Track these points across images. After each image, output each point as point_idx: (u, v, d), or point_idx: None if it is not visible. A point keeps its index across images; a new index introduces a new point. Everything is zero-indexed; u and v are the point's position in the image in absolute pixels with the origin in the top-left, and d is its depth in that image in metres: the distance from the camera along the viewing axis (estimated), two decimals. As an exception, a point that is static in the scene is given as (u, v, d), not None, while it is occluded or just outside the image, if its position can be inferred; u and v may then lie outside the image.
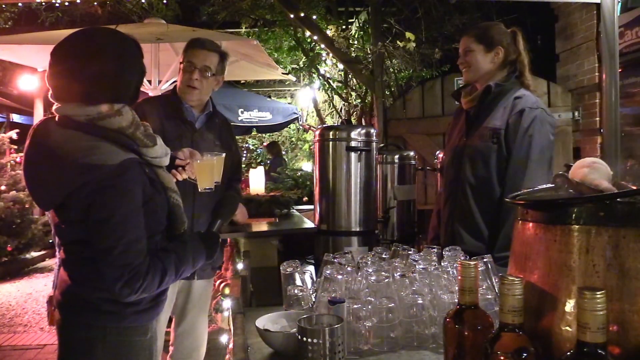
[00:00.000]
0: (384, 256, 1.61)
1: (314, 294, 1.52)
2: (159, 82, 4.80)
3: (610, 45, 2.97)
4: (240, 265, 2.43)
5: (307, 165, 9.58)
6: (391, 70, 6.60)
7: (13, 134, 7.31)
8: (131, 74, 1.46)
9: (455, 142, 2.20)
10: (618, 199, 0.92)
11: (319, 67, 7.80)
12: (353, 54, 6.61)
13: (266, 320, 1.43)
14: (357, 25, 6.99)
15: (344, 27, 7.15)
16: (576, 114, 5.14)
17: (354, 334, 1.33)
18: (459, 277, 1.03)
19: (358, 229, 2.58)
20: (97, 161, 1.31)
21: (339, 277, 1.46)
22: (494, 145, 2.03)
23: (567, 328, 0.91)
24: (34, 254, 7.49)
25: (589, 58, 5.03)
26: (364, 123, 6.93)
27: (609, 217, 0.91)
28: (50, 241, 7.04)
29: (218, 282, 2.96)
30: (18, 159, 7.26)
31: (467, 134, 2.14)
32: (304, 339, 1.14)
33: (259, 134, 10.93)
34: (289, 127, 10.39)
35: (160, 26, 4.66)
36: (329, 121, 8.67)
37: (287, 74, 6.42)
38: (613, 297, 0.88)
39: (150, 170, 1.46)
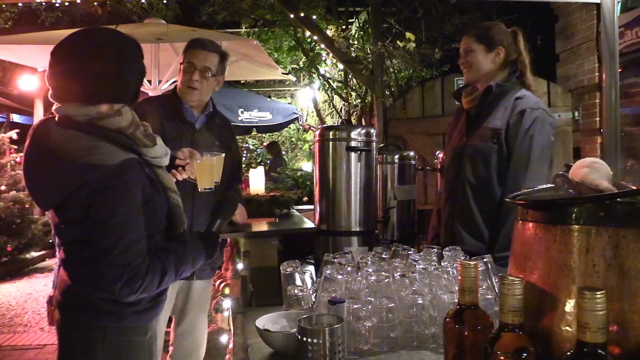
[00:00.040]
0: (384, 256, 1.61)
1: (314, 294, 1.52)
2: (159, 82, 4.80)
3: (610, 45, 2.97)
4: (240, 265, 2.43)
5: (307, 165, 9.59)
6: (391, 70, 6.60)
7: (13, 134, 7.31)
8: (131, 74, 1.46)
9: (456, 142, 2.20)
10: (618, 199, 0.92)
11: (319, 67, 7.80)
12: (353, 54, 6.61)
13: (266, 320, 1.43)
14: (357, 25, 6.99)
15: (344, 27, 7.15)
16: (576, 114, 5.14)
17: (354, 334, 1.33)
18: (459, 277, 1.03)
19: (358, 229, 2.58)
20: (97, 161, 1.31)
21: (339, 277, 1.46)
22: (495, 146, 2.03)
23: (567, 328, 0.91)
24: (34, 254, 7.49)
25: (589, 58, 5.03)
26: (364, 123, 6.93)
27: (609, 217, 0.91)
28: (50, 241, 7.04)
29: (218, 282, 2.96)
30: (18, 159, 7.26)
31: (467, 134, 2.14)
32: (304, 339, 1.14)
33: (259, 134, 10.94)
34: (289, 127, 10.40)
35: (160, 26, 4.66)
36: (329, 121, 8.67)
37: (287, 74, 6.42)
38: (613, 297, 0.88)
39: (150, 170, 1.46)
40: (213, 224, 1.68)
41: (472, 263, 1.02)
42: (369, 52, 6.13)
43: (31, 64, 5.31)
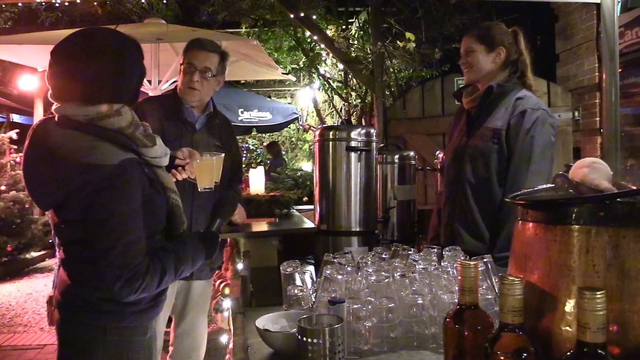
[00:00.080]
0: (384, 256, 1.61)
1: (314, 294, 1.52)
2: (159, 82, 4.81)
3: (610, 45, 2.97)
4: (240, 265, 2.43)
5: (307, 165, 9.59)
6: (391, 70, 6.60)
7: (13, 134, 7.32)
8: (131, 74, 1.46)
9: (456, 142, 2.20)
10: (618, 199, 0.92)
11: (319, 67, 7.80)
12: (353, 54, 6.61)
13: (266, 320, 1.43)
14: (357, 25, 6.99)
15: (344, 27, 7.15)
16: (576, 114, 5.14)
17: (354, 334, 1.33)
18: (459, 277, 1.03)
19: (358, 229, 2.58)
20: (96, 161, 1.32)
21: (339, 277, 1.46)
22: (495, 146, 2.03)
23: (567, 328, 0.91)
24: (34, 254, 7.49)
25: (589, 58, 5.03)
26: (364, 123, 6.93)
27: (609, 217, 0.91)
28: (50, 241, 7.04)
29: (218, 282, 2.96)
30: (18, 159, 7.26)
31: (468, 134, 2.14)
32: (304, 339, 1.13)
33: (259, 134, 10.94)
34: (289, 127, 10.40)
35: (160, 26, 4.67)
36: (329, 121, 8.67)
37: (287, 74, 6.42)
38: (613, 297, 0.88)
39: (150, 170, 1.46)
40: (213, 223, 1.68)
41: (472, 263, 1.02)
42: (369, 52, 6.13)
43: (31, 64, 5.32)
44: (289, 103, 10.34)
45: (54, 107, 1.42)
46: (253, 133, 9.95)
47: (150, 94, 4.40)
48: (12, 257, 6.93)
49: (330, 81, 7.95)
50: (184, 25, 5.56)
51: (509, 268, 1.11)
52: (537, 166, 1.97)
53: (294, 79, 7.42)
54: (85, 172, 1.31)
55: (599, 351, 0.78)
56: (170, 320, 2.53)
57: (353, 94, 7.60)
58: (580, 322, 0.78)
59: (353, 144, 2.57)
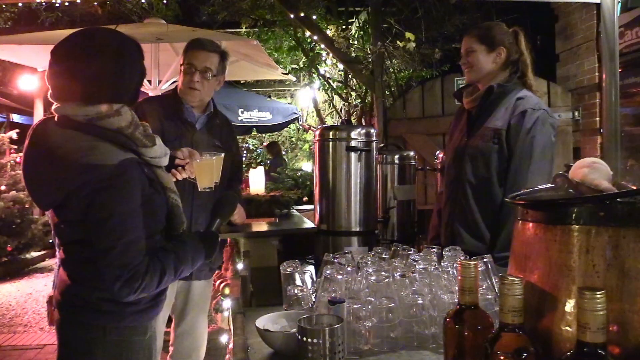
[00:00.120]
0: (384, 256, 1.61)
1: (314, 294, 1.52)
2: (159, 82, 4.80)
3: (610, 45, 2.97)
4: (240, 265, 2.43)
5: (307, 165, 9.59)
6: (391, 70, 6.60)
7: (13, 134, 7.32)
8: (131, 74, 1.46)
9: (457, 142, 2.20)
10: (618, 199, 0.92)
11: (319, 67, 7.80)
12: (353, 54, 6.61)
13: (266, 320, 1.43)
14: (357, 25, 6.99)
15: (344, 27, 7.15)
16: (576, 114, 5.14)
17: (354, 334, 1.33)
18: (459, 277, 1.03)
19: (358, 229, 2.58)
20: (96, 161, 1.32)
21: (339, 277, 1.46)
22: (495, 146, 2.03)
23: (567, 328, 0.91)
24: (34, 254, 7.49)
25: (589, 58, 5.03)
26: (364, 123, 6.93)
27: (609, 217, 0.91)
28: (50, 241, 7.04)
29: (218, 282, 2.96)
30: (18, 159, 7.26)
31: (468, 134, 2.14)
32: (304, 339, 1.13)
33: (259, 134, 10.94)
34: (289, 127, 10.40)
35: (160, 26, 4.66)
36: (329, 121, 8.67)
37: (287, 74, 6.42)
38: (613, 297, 0.88)
39: (149, 170, 1.46)
40: (212, 223, 1.68)
41: (472, 263, 1.02)
42: (369, 52, 6.13)
43: (31, 64, 5.32)
44: (289, 103, 10.34)
45: (53, 107, 1.42)
46: (253, 133, 9.95)
47: (150, 94, 4.40)
48: (12, 257, 6.93)
49: (330, 81, 7.95)
50: (184, 25, 5.56)
51: (509, 268, 1.11)
52: (537, 166, 1.97)
53: (294, 79, 7.42)
54: (85, 172, 1.31)
55: (599, 351, 0.78)
56: (170, 320, 2.53)
57: (353, 94, 7.60)
58: (580, 322, 0.78)
59: (353, 144, 2.57)
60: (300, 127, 10.49)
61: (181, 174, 1.90)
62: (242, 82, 9.32)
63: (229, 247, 3.01)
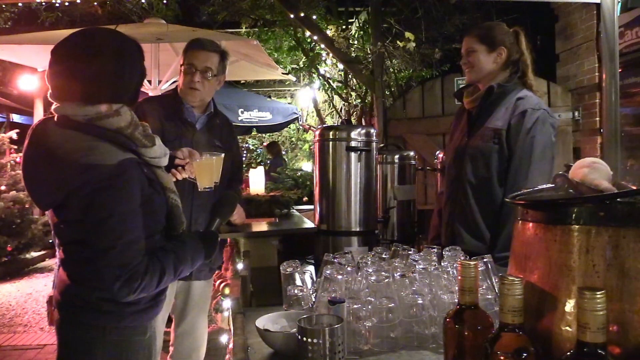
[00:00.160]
0: (384, 256, 1.61)
1: (314, 294, 1.52)
2: (159, 82, 4.80)
3: (610, 45, 2.97)
4: (240, 265, 2.43)
5: (307, 165, 9.60)
6: (391, 70, 6.60)
7: (13, 134, 7.32)
8: (131, 74, 1.46)
9: (457, 142, 2.20)
10: (618, 199, 0.92)
11: (319, 67, 7.80)
12: (353, 54, 6.61)
13: (266, 320, 1.43)
14: (357, 25, 6.99)
15: (344, 27, 7.15)
16: (576, 114, 5.14)
17: (354, 334, 1.33)
18: (459, 277, 1.03)
19: (358, 229, 2.58)
20: (95, 161, 1.31)
21: (339, 277, 1.46)
22: (495, 146, 2.03)
23: (567, 328, 0.91)
24: (34, 254, 7.49)
25: (589, 58, 5.03)
26: (364, 123, 6.93)
27: (609, 217, 0.91)
28: (50, 241, 7.04)
29: (218, 282, 2.96)
30: (18, 159, 7.25)
31: (468, 134, 2.14)
32: (304, 339, 1.13)
33: (259, 134, 10.94)
34: (289, 127, 10.40)
35: (160, 26, 4.66)
36: (329, 121, 8.67)
37: (287, 74, 6.42)
38: (613, 297, 0.88)
39: (149, 170, 1.46)
40: (212, 223, 1.68)
41: (472, 263, 1.02)
42: (369, 52, 6.13)
43: (31, 64, 5.31)
44: (289, 103, 10.35)
45: (53, 107, 1.42)
46: (253, 133, 9.96)
47: (150, 94, 4.40)
48: (12, 257, 6.93)
49: (330, 81, 7.95)
50: (184, 25, 5.56)
51: (509, 268, 1.11)
52: (537, 166, 1.97)
53: (294, 79, 7.42)
54: (85, 172, 1.31)
55: (599, 351, 0.77)
56: (170, 320, 2.53)
57: (353, 94, 7.60)
58: (580, 322, 0.78)
59: (353, 144, 2.57)
60: (300, 127, 10.49)
61: (181, 174, 1.90)
62: (242, 82, 9.33)
63: (229, 247, 3.01)
